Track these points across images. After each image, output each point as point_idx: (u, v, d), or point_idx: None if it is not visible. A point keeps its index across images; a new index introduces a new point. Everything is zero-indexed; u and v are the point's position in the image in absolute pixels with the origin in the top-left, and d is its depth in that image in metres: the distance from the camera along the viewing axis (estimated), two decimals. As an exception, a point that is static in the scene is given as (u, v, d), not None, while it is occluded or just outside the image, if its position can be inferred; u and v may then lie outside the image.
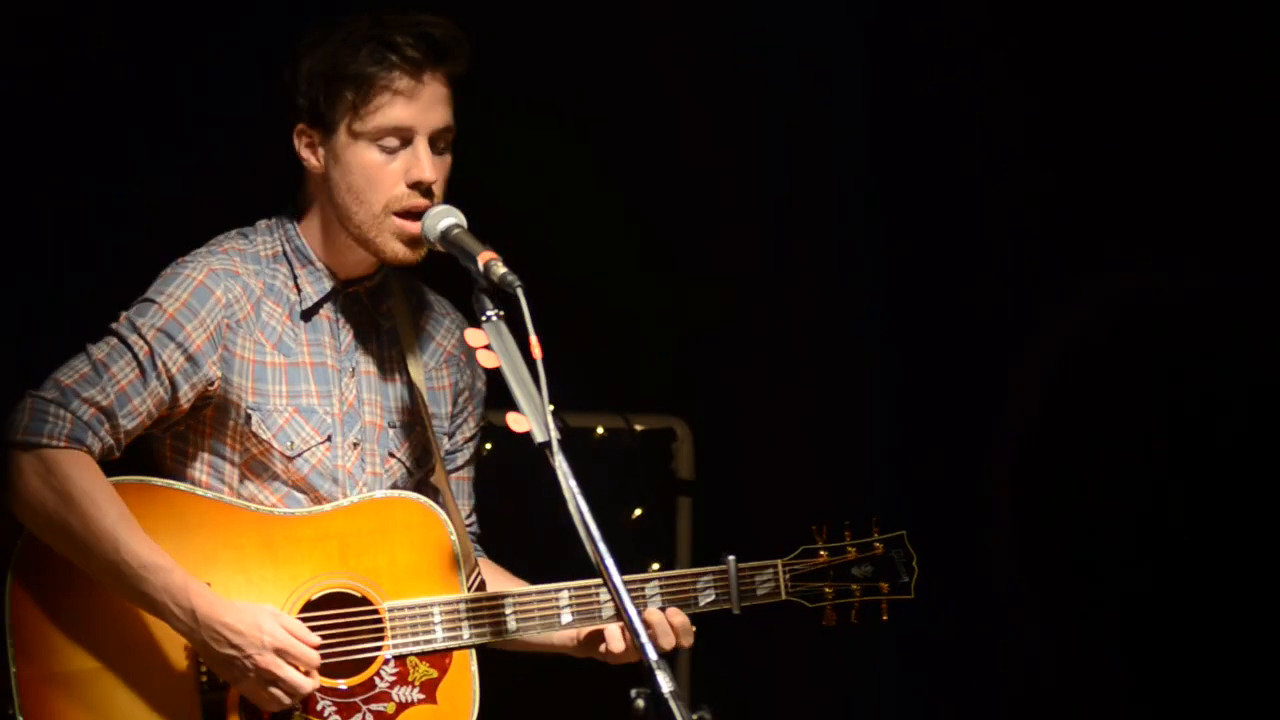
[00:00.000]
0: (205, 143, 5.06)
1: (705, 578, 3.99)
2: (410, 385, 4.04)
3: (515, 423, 3.78)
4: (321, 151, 3.93)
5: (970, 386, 4.35)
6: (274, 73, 4.12)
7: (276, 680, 3.78)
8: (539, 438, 3.64)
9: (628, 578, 3.86)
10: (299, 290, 3.99)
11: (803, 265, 5.62)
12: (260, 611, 3.80)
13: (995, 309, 5.02)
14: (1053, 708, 4.28)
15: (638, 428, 5.50)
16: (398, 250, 3.91)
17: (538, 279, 4.08)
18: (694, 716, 3.30)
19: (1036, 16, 5.23)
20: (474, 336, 3.82)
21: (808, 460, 4.09)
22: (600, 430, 5.43)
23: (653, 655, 3.35)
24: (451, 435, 4.13)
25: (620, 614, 3.43)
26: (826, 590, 4.08)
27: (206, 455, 3.95)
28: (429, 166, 3.87)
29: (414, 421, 4.04)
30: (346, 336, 4.02)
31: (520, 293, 3.71)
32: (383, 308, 4.05)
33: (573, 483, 3.55)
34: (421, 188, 3.88)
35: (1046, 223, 5.21)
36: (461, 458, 4.15)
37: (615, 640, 3.93)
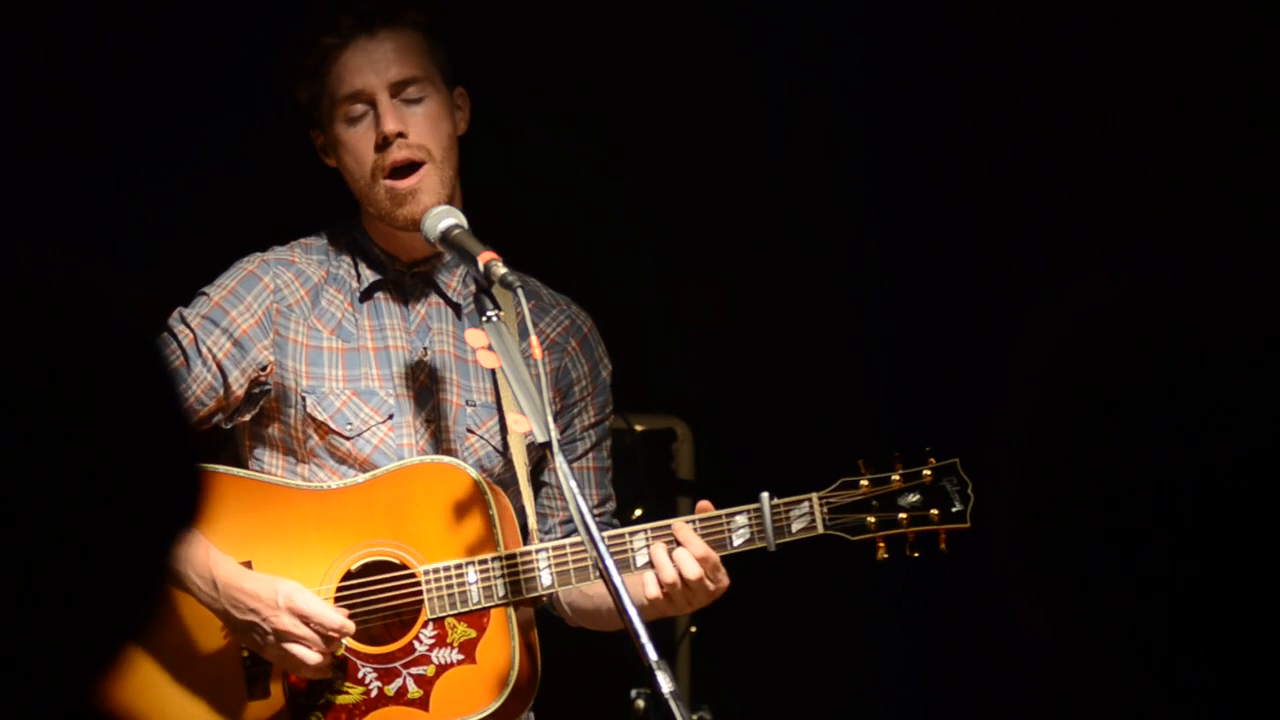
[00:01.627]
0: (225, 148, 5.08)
1: (739, 517, 3.91)
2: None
3: (516, 423, 3.79)
4: (329, 149, 4.02)
5: (976, 383, 4.35)
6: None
7: (295, 639, 3.80)
8: (539, 438, 3.66)
9: (657, 523, 3.89)
10: (359, 277, 4.03)
11: (804, 265, 5.62)
12: (280, 579, 3.82)
13: (1002, 305, 5.02)
14: (1061, 703, 4.27)
15: (638, 428, 5.50)
16: (401, 211, 3.95)
17: (538, 279, 4.08)
18: (694, 717, 3.30)
19: (1040, 8, 5.23)
20: (474, 337, 3.84)
21: (808, 460, 4.07)
22: (600, 430, 5.42)
23: (653, 655, 3.35)
24: (567, 425, 4.11)
25: (621, 616, 3.43)
26: (869, 521, 3.90)
27: (278, 444, 4.00)
28: (389, 119, 3.91)
29: (499, 402, 4.05)
30: (418, 317, 4.05)
31: (520, 293, 3.73)
32: (452, 287, 4.06)
33: (573, 483, 3.57)
34: (389, 142, 3.92)
35: (1057, 209, 5.20)
36: (581, 446, 4.12)
37: (649, 586, 3.84)
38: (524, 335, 3.77)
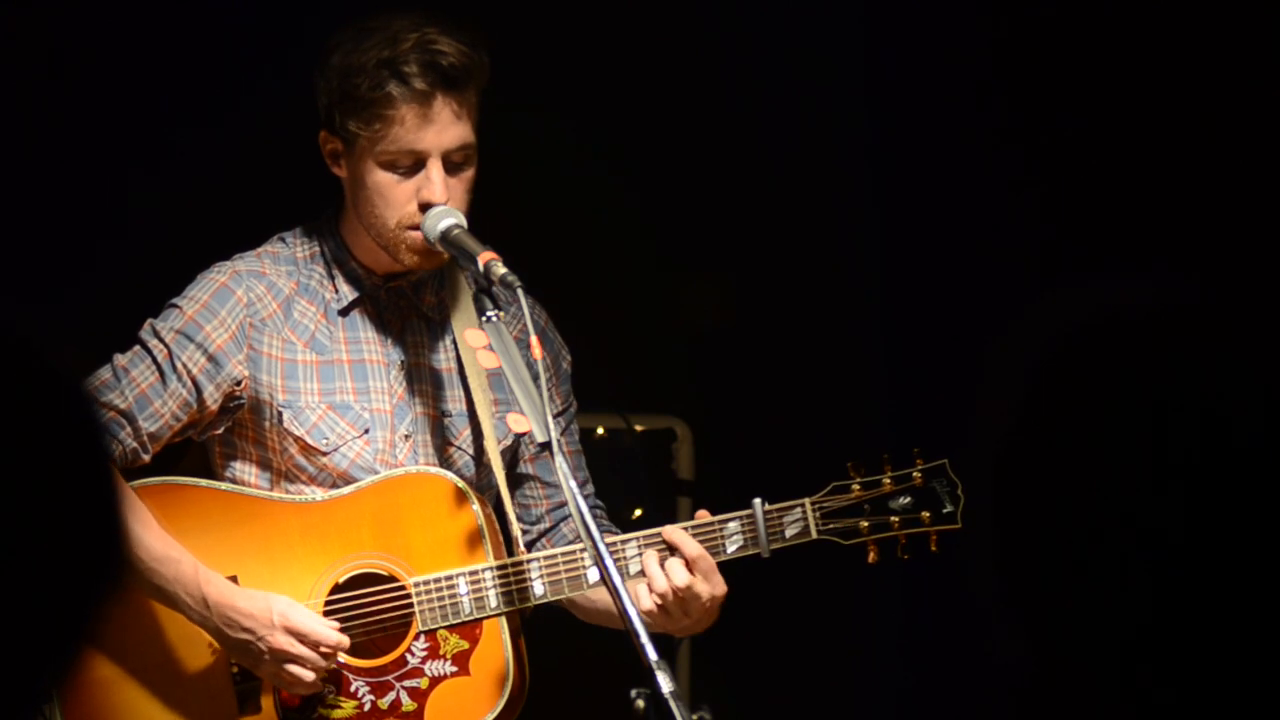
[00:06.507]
0: (213, 148, 5.07)
1: (731, 524, 3.91)
2: (464, 373, 4.05)
3: (516, 423, 3.79)
4: (343, 161, 3.96)
5: (976, 383, 4.35)
6: (284, 76, 4.14)
7: (292, 659, 3.79)
8: (539, 438, 3.66)
9: (648, 530, 3.87)
10: (335, 289, 4.02)
11: (803, 265, 5.62)
12: (273, 595, 3.81)
13: (1003, 305, 5.02)
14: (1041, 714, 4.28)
15: (638, 428, 5.50)
16: (415, 260, 3.94)
17: (538, 279, 4.08)
18: (694, 716, 3.30)
19: (1037, 22, 5.23)
20: (474, 337, 3.84)
21: (808, 460, 4.08)
22: (600, 430, 5.43)
23: (653, 655, 3.35)
24: None
25: (622, 617, 3.43)
26: (862, 525, 3.92)
27: (253, 456, 3.98)
28: (439, 189, 3.88)
29: (473, 410, 4.04)
30: (393, 331, 4.04)
31: (520, 293, 3.73)
32: (429, 300, 4.05)
33: (573, 483, 3.58)
34: (431, 208, 3.89)
35: (1059, 213, 5.20)
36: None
37: (642, 598, 3.86)
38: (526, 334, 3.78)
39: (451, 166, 3.90)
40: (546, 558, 3.89)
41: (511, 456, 4.10)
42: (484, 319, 3.78)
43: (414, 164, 3.89)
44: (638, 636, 3.37)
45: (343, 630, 3.85)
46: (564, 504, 4.09)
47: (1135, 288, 1.84)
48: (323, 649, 3.80)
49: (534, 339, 3.74)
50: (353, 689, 3.87)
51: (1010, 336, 1.89)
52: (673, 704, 3.28)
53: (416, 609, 3.88)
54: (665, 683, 3.31)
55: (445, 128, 3.88)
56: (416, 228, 3.90)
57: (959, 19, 5.35)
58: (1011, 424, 1.83)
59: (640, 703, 3.33)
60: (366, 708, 3.87)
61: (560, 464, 3.62)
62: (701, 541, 3.87)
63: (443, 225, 3.87)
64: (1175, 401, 1.78)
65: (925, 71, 5.45)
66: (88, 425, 1.76)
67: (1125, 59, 5.05)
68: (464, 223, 3.88)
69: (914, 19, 5.46)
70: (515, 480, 4.10)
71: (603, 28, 5.40)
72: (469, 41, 3.90)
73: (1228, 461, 1.77)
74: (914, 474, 3.96)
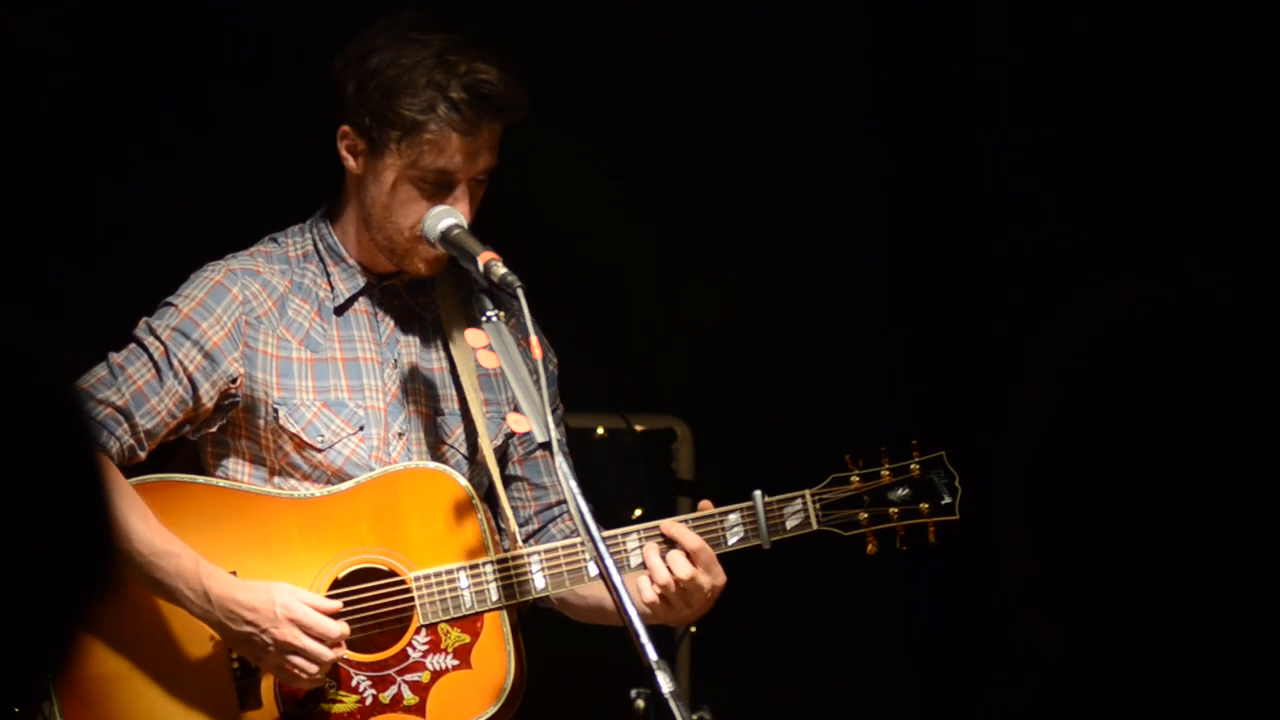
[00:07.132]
0: (214, 148, 5.07)
1: (732, 515, 3.93)
2: (457, 372, 4.05)
3: (516, 423, 3.80)
4: (362, 160, 3.95)
5: (977, 387, 4.35)
6: (282, 76, 4.13)
7: (296, 650, 3.79)
8: (539, 438, 3.67)
9: (649, 524, 3.89)
10: (331, 287, 4.02)
11: (804, 265, 5.62)
12: (275, 586, 3.81)
13: (1002, 309, 5.02)
14: (1065, 707, 4.26)
15: (638, 428, 5.50)
16: (420, 269, 3.96)
17: (538, 279, 4.08)
18: (694, 717, 3.30)
19: (1038, 20, 5.23)
20: (474, 337, 3.85)
21: (808, 461, 4.07)
22: (600, 430, 5.43)
23: (653, 655, 3.35)
24: None
25: (621, 615, 3.43)
26: (861, 517, 3.94)
27: (246, 454, 3.98)
28: (465, 209, 3.90)
29: (465, 409, 4.05)
30: (387, 329, 4.04)
31: (520, 293, 3.73)
32: (421, 299, 4.06)
33: (573, 483, 3.58)
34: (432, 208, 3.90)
35: (1059, 222, 5.20)
36: None
37: (645, 590, 3.86)
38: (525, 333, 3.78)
39: (473, 184, 3.92)
40: (547, 551, 3.90)
41: (500, 458, 4.10)
42: (484, 319, 3.79)
43: (441, 182, 3.90)
44: (637, 636, 3.37)
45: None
46: (553, 505, 4.10)
47: (1164, 285, 1.84)
48: (327, 641, 3.81)
49: (533, 339, 3.74)
50: (354, 683, 3.88)
51: (1041, 336, 1.89)
52: (673, 704, 3.28)
53: (417, 603, 3.88)
54: (665, 683, 3.31)
55: (479, 154, 3.91)
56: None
57: (959, 19, 5.34)
58: (1046, 417, 1.84)
59: (640, 703, 3.33)
60: (368, 701, 3.88)
61: (560, 463, 3.62)
62: (703, 533, 3.88)
63: (443, 225, 3.88)
64: (1206, 395, 1.78)
65: (925, 71, 5.44)
66: (73, 419, 1.76)
67: (1124, 53, 5.05)
68: (464, 223, 3.88)
69: (914, 19, 5.46)
70: (504, 482, 4.10)
71: (603, 28, 5.40)
72: (514, 70, 3.92)
73: (1262, 454, 1.77)
74: (912, 465, 3.98)
